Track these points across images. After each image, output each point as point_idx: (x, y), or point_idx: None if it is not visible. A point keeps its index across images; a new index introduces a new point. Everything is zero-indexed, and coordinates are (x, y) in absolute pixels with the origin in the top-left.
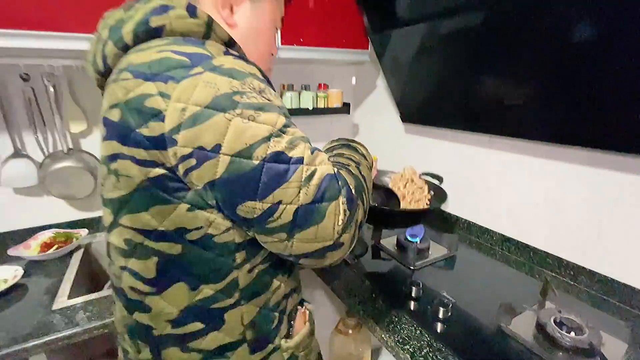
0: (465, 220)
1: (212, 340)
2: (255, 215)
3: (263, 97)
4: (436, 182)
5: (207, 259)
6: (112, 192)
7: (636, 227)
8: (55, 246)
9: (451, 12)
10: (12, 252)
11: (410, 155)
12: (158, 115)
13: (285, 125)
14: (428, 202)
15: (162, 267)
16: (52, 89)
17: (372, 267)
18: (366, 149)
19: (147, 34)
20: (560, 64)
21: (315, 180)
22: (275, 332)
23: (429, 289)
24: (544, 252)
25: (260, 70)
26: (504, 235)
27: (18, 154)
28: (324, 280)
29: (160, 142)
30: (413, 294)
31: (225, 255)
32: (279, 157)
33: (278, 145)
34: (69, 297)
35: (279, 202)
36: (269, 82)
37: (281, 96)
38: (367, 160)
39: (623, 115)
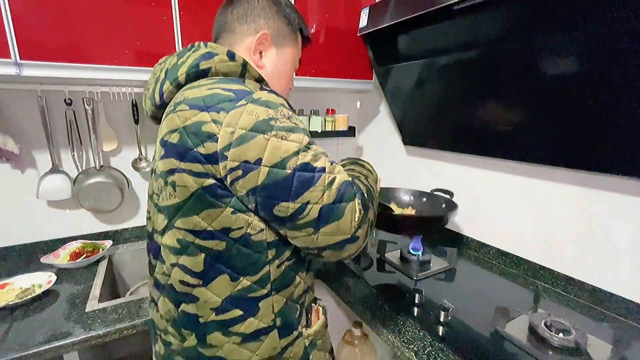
0: (465, 235)
1: (249, 325)
2: (288, 214)
3: (291, 121)
4: (447, 196)
5: (246, 254)
6: (169, 200)
7: (620, 241)
8: (84, 255)
9: (447, 50)
10: (44, 260)
11: (411, 176)
12: (212, 137)
13: (309, 143)
14: None
15: (208, 262)
16: (90, 112)
17: (378, 279)
18: (372, 167)
19: (197, 74)
20: (548, 93)
21: (335, 185)
22: (298, 321)
23: (431, 296)
24: (537, 264)
25: (286, 101)
26: (500, 250)
27: (56, 169)
28: (334, 291)
29: (214, 158)
30: (416, 301)
31: (260, 251)
32: (306, 167)
33: (305, 158)
34: (99, 301)
35: (307, 202)
36: (293, 111)
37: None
38: (372, 174)
39: (607, 140)
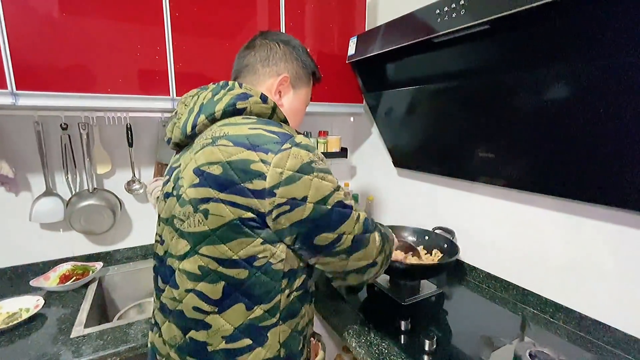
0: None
1: (256, 355)
2: (327, 243)
3: (324, 163)
4: (448, 236)
5: (264, 282)
6: (197, 227)
7: (606, 270)
8: (74, 278)
9: (434, 78)
10: (33, 283)
11: (402, 196)
12: (261, 175)
13: (338, 182)
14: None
15: (227, 290)
16: (85, 137)
17: (367, 302)
18: (388, 229)
19: (233, 112)
20: (531, 122)
21: (361, 219)
22: (300, 353)
23: (418, 323)
24: (526, 289)
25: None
26: (489, 274)
27: (49, 192)
28: (323, 316)
29: (261, 194)
30: (402, 328)
31: (276, 280)
32: (341, 203)
33: (340, 196)
34: (85, 326)
35: (343, 233)
36: None
37: None
38: (389, 235)
39: (590, 171)
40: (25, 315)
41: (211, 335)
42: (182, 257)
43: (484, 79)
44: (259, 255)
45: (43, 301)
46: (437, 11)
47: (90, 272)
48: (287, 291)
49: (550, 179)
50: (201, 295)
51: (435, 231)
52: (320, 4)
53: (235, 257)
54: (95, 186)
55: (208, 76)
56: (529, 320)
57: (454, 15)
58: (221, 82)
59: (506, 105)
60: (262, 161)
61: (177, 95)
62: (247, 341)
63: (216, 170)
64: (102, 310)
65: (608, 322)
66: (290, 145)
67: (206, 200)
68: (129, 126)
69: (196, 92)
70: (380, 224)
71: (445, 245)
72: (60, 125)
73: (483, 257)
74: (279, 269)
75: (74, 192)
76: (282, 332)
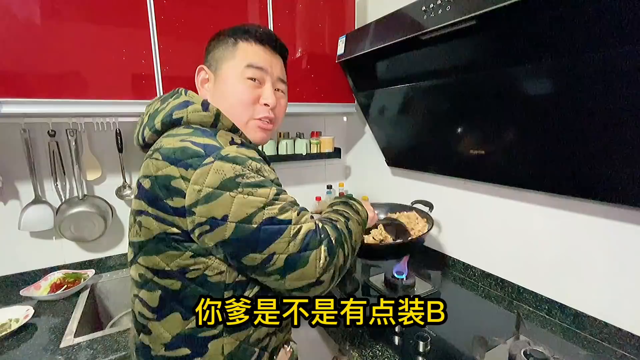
0: (449, 256)
1: None
2: (256, 263)
3: (259, 175)
4: (426, 209)
5: (200, 294)
6: (135, 237)
7: (599, 266)
8: (65, 287)
9: (424, 76)
10: (24, 292)
11: (396, 195)
12: (180, 192)
13: (277, 194)
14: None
15: (163, 299)
16: (74, 143)
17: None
18: (362, 205)
19: (171, 123)
20: (522, 117)
21: (300, 235)
22: None
23: (412, 324)
24: (521, 287)
25: (258, 150)
26: (484, 271)
27: (38, 200)
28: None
29: (181, 212)
30: (397, 329)
31: (216, 292)
32: (272, 220)
33: (271, 211)
34: (76, 335)
35: (274, 253)
36: (265, 159)
37: (277, 143)
38: (360, 215)
39: (583, 166)
40: (14, 326)
41: (152, 341)
42: (130, 264)
43: (473, 75)
44: (191, 268)
45: (33, 311)
46: (423, 8)
47: (82, 280)
48: None
49: (543, 175)
50: (143, 302)
51: (414, 205)
52: (309, 3)
53: (167, 269)
54: (85, 193)
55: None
56: (525, 318)
57: (439, 12)
58: (176, 90)
59: (496, 101)
60: (182, 177)
61: None
62: (186, 350)
63: (147, 184)
64: (95, 318)
65: (603, 318)
66: (212, 160)
67: (140, 212)
68: (118, 131)
69: (153, 101)
70: (350, 200)
71: (425, 219)
72: (48, 132)
73: (478, 255)
74: (218, 281)
75: (63, 200)
76: (227, 344)
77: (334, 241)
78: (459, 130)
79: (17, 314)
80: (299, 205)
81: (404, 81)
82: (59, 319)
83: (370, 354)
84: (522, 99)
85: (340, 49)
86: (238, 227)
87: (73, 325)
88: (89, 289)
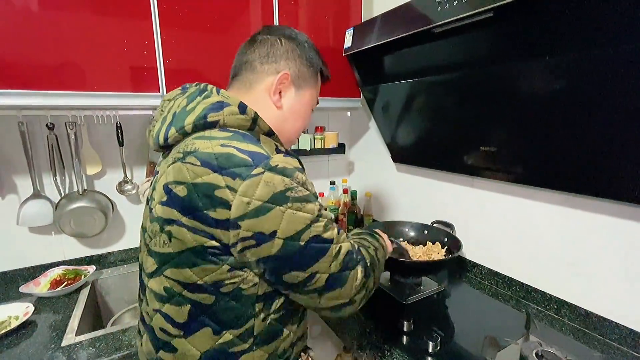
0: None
1: None
2: (297, 281)
3: (305, 188)
4: (448, 230)
5: (233, 307)
6: (162, 248)
7: (609, 265)
8: (65, 283)
9: (432, 71)
10: (23, 289)
11: (401, 192)
12: (225, 204)
13: (320, 210)
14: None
15: (193, 314)
16: (73, 137)
17: (367, 302)
18: (384, 241)
19: (204, 125)
20: (532, 115)
21: (341, 255)
22: None
23: (421, 323)
24: (529, 286)
25: (298, 159)
26: (491, 270)
27: (37, 195)
28: (322, 317)
29: (224, 224)
30: (405, 328)
31: (248, 305)
32: (317, 239)
33: (317, 229)
34: (77, 333)
35: (316, 272)
36: (303, 168)
37: None
38: (384, 250)
39: (591, 164)
40: (14, 324)
41: (178, 359)
42: (151, 275)
43: (484, 70)
44: (227, 282)
45: (33, 308)
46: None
47: (83, 276)
48: (262, 315)
49: (553, 173)
50: (167, 318)
51: (434, 225)
52: None
53: (200, 282)
54: (85, 187)
55: (200, 71)
56: (534, 318)
57: (455, 3)
58: (201, 85)
59: (507, 97)
60: (228, 187)
61: (167, 92)
62: None
63: (181, 191)
64: (96, 315)
65: (614, 319)
66: (262, 170)
67: (171, 222)
68: (118, 125)
69: (174, 96)
70: (375, 233)
71: (446, 239)
72: (47, 125)
73: (485, 253)
74: (251, 294)
75: (63, 194)
76: (257, 357)
77: (368, 263)
78: (468, 126)
79: (16, 311)
80: (334, 222)
81: (412, 75)
82: (60, 316)
83: (379, 353)
84: (534, 95)
85: (348, 42)
86: (286, 244)
87: (74, 322)
88: (89, 286)
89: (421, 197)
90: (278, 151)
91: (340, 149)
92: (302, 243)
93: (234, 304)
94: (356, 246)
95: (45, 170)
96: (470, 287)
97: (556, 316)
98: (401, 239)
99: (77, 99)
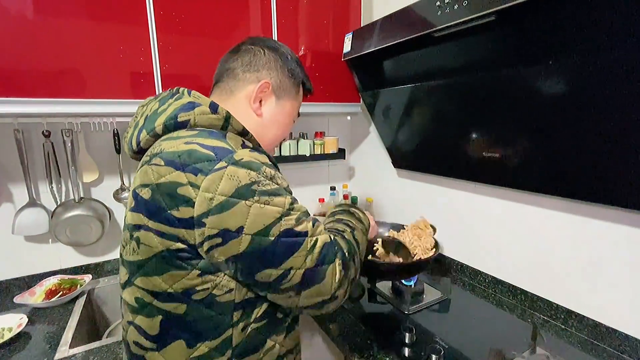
0: (458, 262)
1: None
2: (271, 279)
3: (274, 182)
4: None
5: (208, 316)
6: (131, 256)
7: (617, 274)
8: (60, 293)
9: (433, 75)
10: (17, 299)
11: (402, 198)
12: (188, 201)
13: (292, 204)
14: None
15: (165, 325)
16: (69, 144)
17: (368, 311)
18: (363, 214)
19: (175, 126)
20: (535, 120)
21: (317, 248)
22: None
23: (423, 334)
24: (534, 295)
25: (268, 155)
26: (495, 278)
27: (33, 203)
28: (321, 326)
29: (189, 223)
30: (407, 340)
31: (225, 313)
32: (289, 232)
33: (288, 222)
34: (71, 346)
35: (291, 268)
36: (275, 165)
37: (280, 144)
38: (363, 223)
39: (598, 170)
40: (7, 336)
41: None
42: (124, 286)
43: (486, 74)
44: (198, 288)
45: (27, 319)
46: (438, 3)
47: (78, 285)
48: (241, 324)
49: (558, 179)
50: (140, 330)
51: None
52: None
53: (170, 290)
54: (82, 195)
55: (196, 77)
56: (540, 328)
57: (455, 7)
58: (174, 89)
59: (510, 102)
60: (191, 184)
61: None
62: None
63: (146, 194)
64: (92, 325)
65: (624, 330)
66: (225, 164)
67: (138, 227)
68: (115, 131)
69: (147, 102)
70: (352, 208)
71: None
72: (43, 132)
73: (488, 261)
74: (227, 300)
75: (59, 203)
76: None
77: (346, 254)
78: (470, 131)
79: (10, 323)
80: (310, 215)
81: (412, 80)
82: (54, 328)
83: None
84: (538, 100)
85: (347, 47)
86: (254, 240)
87: (68, 334)
88: (85, 295)
89: (423, 203)
90: (244, 146)
91: (341, 154)
92: (272, 238)
93: (209, 312)
94: (332, 236)
95: (42, 178)
96: (473, 295)
97: (563, 327)
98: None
99: (73, 107)
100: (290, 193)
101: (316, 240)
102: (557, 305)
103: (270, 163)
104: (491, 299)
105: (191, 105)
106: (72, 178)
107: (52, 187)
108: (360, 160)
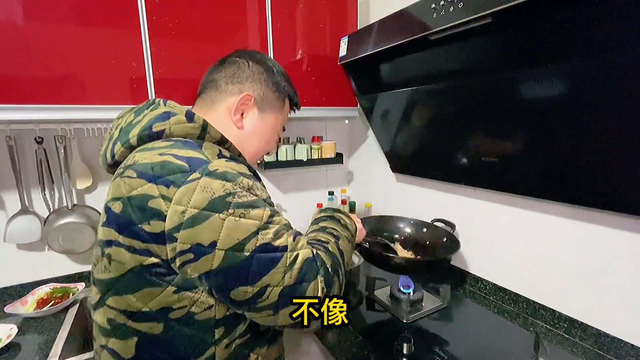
0: (458, 268)
1: None
2: (246, 298)
3: (251, 193)
4: (449, 229)
5: (187, 335)
6: (102, 273)
7: (622, 282)
8: (52, 302)
9: (430, 79)
10: (8, 309)
11: (401, 203)
12: (159, 215)
13: (271, 216)
14: None
15: (141, 347)
16: (62, 150)
17: (366, 319)
18: (349, 218)
19: (149, 137)
20: (538, 123)
21: (297, 265)
22: None
23: (423, 344)
24: (537, 302)
25: (248, 166)
26: (496, 285)
27: (25, 211)
28: (318, 336)
29: (160, 238)
30: (405, 351)
31: (205, 331)
32: (266, 247)
33: (265, 237)
34: (61, 357)
35: (267, 285)
36: (255, 175)
37: (277, 149)
38: (349, 230)
39: (598, 176)
40: None
41: None
42: (95, 307)
43: (484, 78)
44: (175, 307)
45: (17, 330)
46: (433, 6)
47: (71, 294)
48: (224, 341)
49: (558, 185)
50: (114, 354)
51: (435, 223)
52: (309, 3)
53: (145, 309)
54: (75, 202)
55: (190, 82)
56: (543, 338)
57: (451, 10)
58: (150, 100)
59: (509, 106)
60: (162, 197)
61: None
62: None
63: (117, 207)
64: (84, 334)
65: (629, 340)
66: (199, 175)
67: (109, 243)
68: None
69: (123, 114)
70: (337, 212)
71: (445, 239)
72: (35, 139)
73: (489, 267)
74: (206, 318)
75: (52, 210)
76: None
77: (329, 269)
78: (468, 136)
79: (0, 334)
80: (293, 228)
81: (409, 84)
82: (45, 338)
83: None
84: (536, 103)
85: (343, 51)
86: (227, 256)
87: (58, 346)
88: (78, 304)
89: (422, 208)
90: (220, 156)
91: (338, 158)
92: (247, 254)
93: (188, 331)
94: (314, 251)
95: (34, 185)
96: (474, 303)
97: (566, 336)
98: (397, 236)
99: (67, 113)
100: (271, 205)
101: (296, 256)
102: (560, 313)
103: (250, 173)
104: (492, 307)
105: (166, 115)
106: (65, 185)
107: (44, 194)
108: (358, 165)
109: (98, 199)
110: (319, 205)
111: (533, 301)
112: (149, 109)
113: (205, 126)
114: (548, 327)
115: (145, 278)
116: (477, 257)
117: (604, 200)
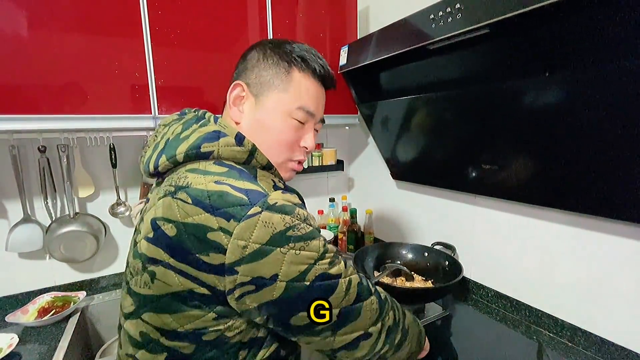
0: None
1: None
2: (306, 323)
3: (307, 224)
4: (449, 252)
5: (214, 356)
6: (142, 288)
7: (625, 289)
8: (53, 311)
9: (430, 87)
10: (9, 318)
11: (402, 210)
12: (219, 248)
13: (324, 246)
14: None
15: None
16: (65, 159)
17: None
18: (423, 334)
19: (197, 155)
20: (538, 131)
21: (353, 288)
22: None
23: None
24: (539, 310)
25: (297, 193)
26: (498, 292)
27: (27, 219)
28: None
29: (219, 270)
30: None
31: (231, 353)
32: (324, 276)
33: (322, 266)
34: None
35: (328, 309)
36: (303, 202)
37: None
38: (418, 327)
39: (600, 183)
40: None
41: None
42: (127, 316)
43: (484, 86)
44: (210, 329)
45: (17, 339)
46: (432, 16)
47: (72, 303)
48: None
49: (559, 192)
50: None
51: (435, 247)
52: (310, 13)
53: (180, 330)
54: (77, 211)
55: (192, 90)
56: (546, 346)
57: (449, 20)
58: (199, 113)
59: (510, 113)
60: (222, 230)
61: (159, 113)
62: None
63: (170, 230)
64: (85, 343)
65: (633, 348)
66: (260, 209)
67: (155, 261)
68: (112, 146)
69: (169, 122)
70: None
71: (447, 263)
72: (38, 147)
73: (490, 275)
74: (236, 341)
75: (54, 218)
76: None
77: (383, 298)
78: (468, 144)
79: (0, 343)
80: (341, 254)
81: (409, 92)
82: (46, 348)
83: None
84: (535, 111)
85: (343, 60)
86: (289, 286)
87: (59, 355)
88: (79, 313)
89: (423, 215)
90: (276, 187)
91: (339, 165)
92: (307, 283)
93: (216, 353)
94: (364, 280)
95: (36, 193)
96: (476, 310)
97: (570, 344)
98: (399, 262)
99: (70, 123)
100: (320, 231)
101: (350, 281)
102: (563, 321)
103: (301, 203)
104: (494, 315)
105: (216, 135)
106: (67, 193)
107: (47, 203)
108: (359, 172)
109: (100, 207)
110: (320, 212)
111: (536, 309)
112: (199, 125)
113: (253, 151)
114: (551, 334)
115: (189, 302)
116: (478, 264)
117: (607, 208)
